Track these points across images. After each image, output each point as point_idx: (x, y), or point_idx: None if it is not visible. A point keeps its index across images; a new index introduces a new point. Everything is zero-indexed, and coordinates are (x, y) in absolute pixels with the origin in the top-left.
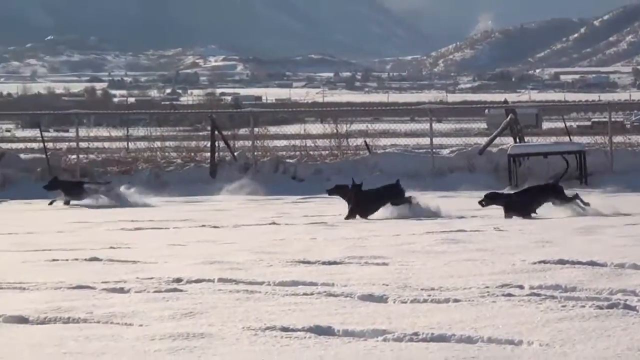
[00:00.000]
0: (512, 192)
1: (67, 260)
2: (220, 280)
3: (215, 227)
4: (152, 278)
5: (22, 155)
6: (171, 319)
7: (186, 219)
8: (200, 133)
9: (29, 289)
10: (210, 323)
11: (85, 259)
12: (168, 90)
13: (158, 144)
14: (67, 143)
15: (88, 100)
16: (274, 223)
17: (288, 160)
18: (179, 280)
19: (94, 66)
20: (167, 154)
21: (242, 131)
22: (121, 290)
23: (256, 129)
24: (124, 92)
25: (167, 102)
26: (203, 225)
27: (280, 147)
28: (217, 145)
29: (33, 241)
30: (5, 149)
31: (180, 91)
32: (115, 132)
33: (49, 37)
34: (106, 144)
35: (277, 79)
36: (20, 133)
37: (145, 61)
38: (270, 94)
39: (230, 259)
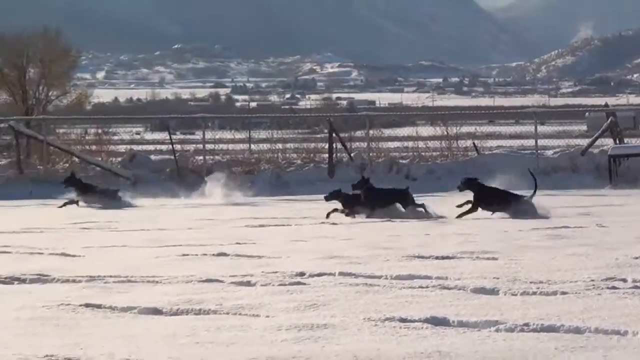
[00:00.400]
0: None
1: (196, 255)
2: (341, 274)
3: (334, 224)
4: (276, 272)
5: (152, 157)
6: (296, 310)
7: (306, 217)
8: (318, 135)
9: (161, 283)
10: (333, 314)
11: (214, 254)
12: (287, 95)
13: (279, 145)
14: (193, 145)
15: (212, 105)
16: (389, 220)
17: (401, 161)
18: (302, 274)
19: (218, 73)
20: (287, 155)
21: (358, 133)
22: (248, 284)
23: (371, 131)
24: (246, 97)
25: (287, 107)
26: (322, 223)
27: (394, 148)
28: (334, 146)
29: (164, 237)
30: (137, 151)
31: (298, 96)
32: (238, 135)
33: (176, 46)
34: (230, 146)
35: (389, 85)
36: (149, 136)
37: (266, 68)
38: (383, 98)
39: (349, 254)
